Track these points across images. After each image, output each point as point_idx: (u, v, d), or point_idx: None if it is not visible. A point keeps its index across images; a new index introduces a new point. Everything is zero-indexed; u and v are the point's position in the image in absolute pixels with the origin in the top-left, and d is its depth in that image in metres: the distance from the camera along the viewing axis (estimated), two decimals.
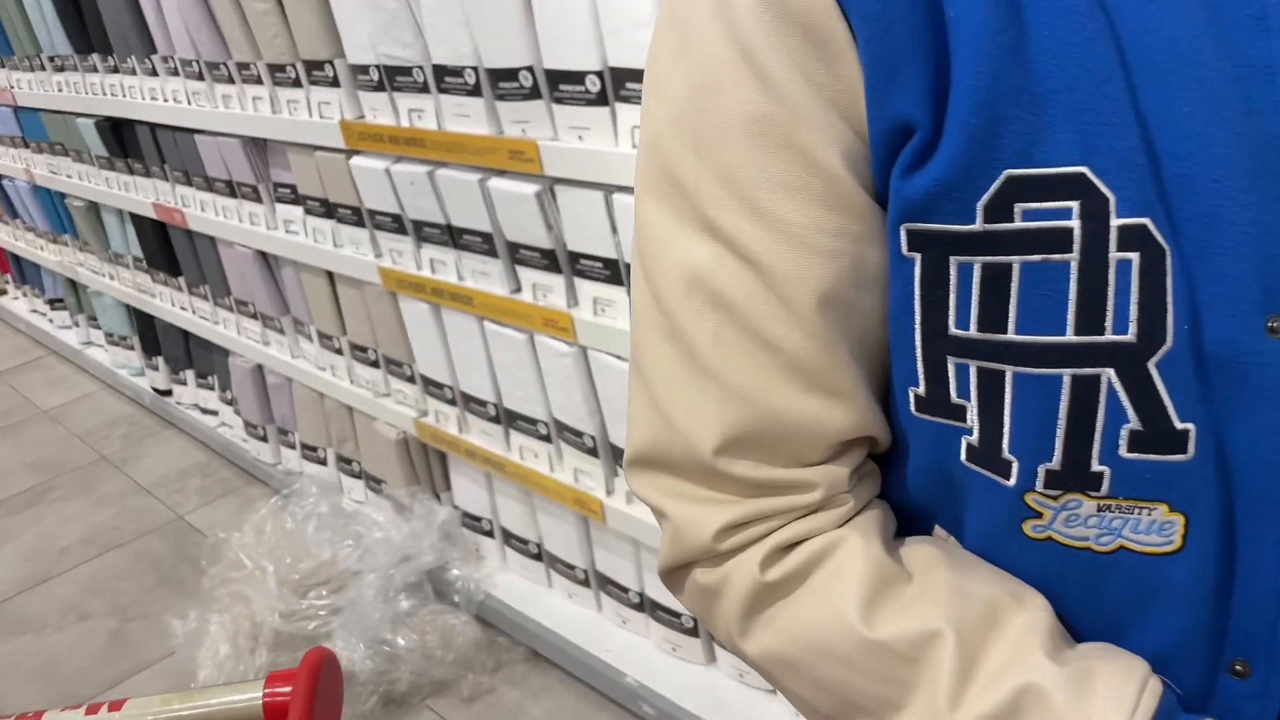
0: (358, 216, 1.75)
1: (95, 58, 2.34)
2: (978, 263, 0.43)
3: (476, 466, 1.80)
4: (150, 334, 2.84)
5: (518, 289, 1.52)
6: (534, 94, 1.31)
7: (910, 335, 0.46)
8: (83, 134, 2.55)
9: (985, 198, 0.42)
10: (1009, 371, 0.44)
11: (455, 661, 1.78)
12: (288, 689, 0.54)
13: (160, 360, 2.85)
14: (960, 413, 0.46)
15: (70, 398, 3.21)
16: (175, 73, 2.05)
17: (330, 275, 1.94)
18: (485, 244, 1.51)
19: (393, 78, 1.51)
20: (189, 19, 1.88)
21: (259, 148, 1.97)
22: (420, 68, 1.45)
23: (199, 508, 2.49)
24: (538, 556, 1.84)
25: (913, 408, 0.48)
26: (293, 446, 2.35)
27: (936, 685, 0.45)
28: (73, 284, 3.25)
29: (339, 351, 2.01)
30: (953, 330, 0.45)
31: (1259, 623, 0.45)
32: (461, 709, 1.75)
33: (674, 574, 0.54)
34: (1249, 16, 0.40)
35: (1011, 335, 0.43)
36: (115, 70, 2.28)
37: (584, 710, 1.71)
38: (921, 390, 0.47)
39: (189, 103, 2.05)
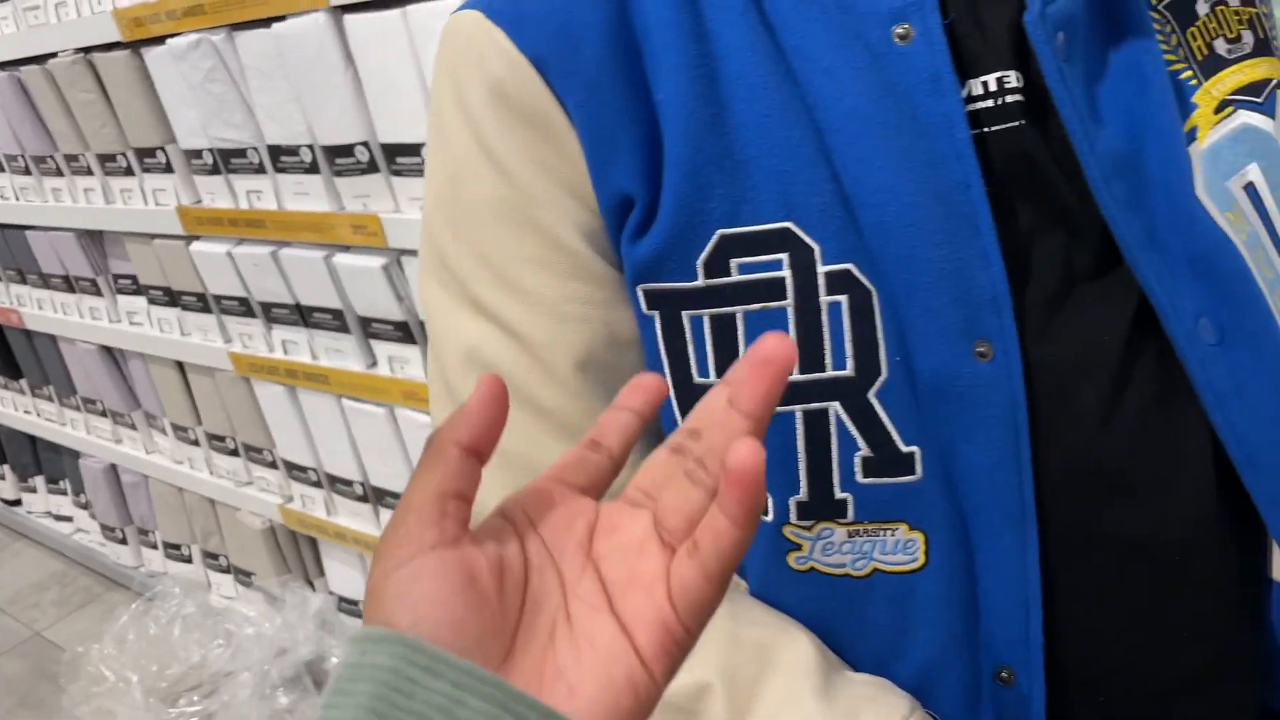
0: (203, 303, 1.70)
1: None
2: (706, 315, 0.48)
3: (349, 549, 1.75)
4: None
5: (374, 363, 1.50)
6: (372, 168, 1.30)
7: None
8: None
9: (703, 256, 0.47)
10: None
11: None
12: None
13: (6, 469, 2.69)
14: None
15: None
16: (0, 168, 1.97)
17: (180, 365, 1.87)
18: (336, 320, 1.48)
19: (227, 160, 1.48)
20: (10, 113, 1.81)
21: (95, 240, 1.90)
22: (255, 149, 1.43)
23: (57, 621, 2.34)
24: None
25: None
26: (154, 546, 2.24)
27: None
28: None
29: (195, 443, 1.94)
30: (696, 379, 0.49)
31: (1013, 629, 0.49)
32: None
33: None
34: (925, 79, 0.45)
35: None
36: None
37: None
38: None
39: (16, 198, 1.97)
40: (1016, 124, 0.47)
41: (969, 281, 0.45)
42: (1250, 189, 0.50)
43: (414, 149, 1.24)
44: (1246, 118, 0.51)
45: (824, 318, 0.46)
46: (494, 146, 0.49)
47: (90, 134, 1.68)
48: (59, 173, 1.82)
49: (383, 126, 1.26)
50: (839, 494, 0.48)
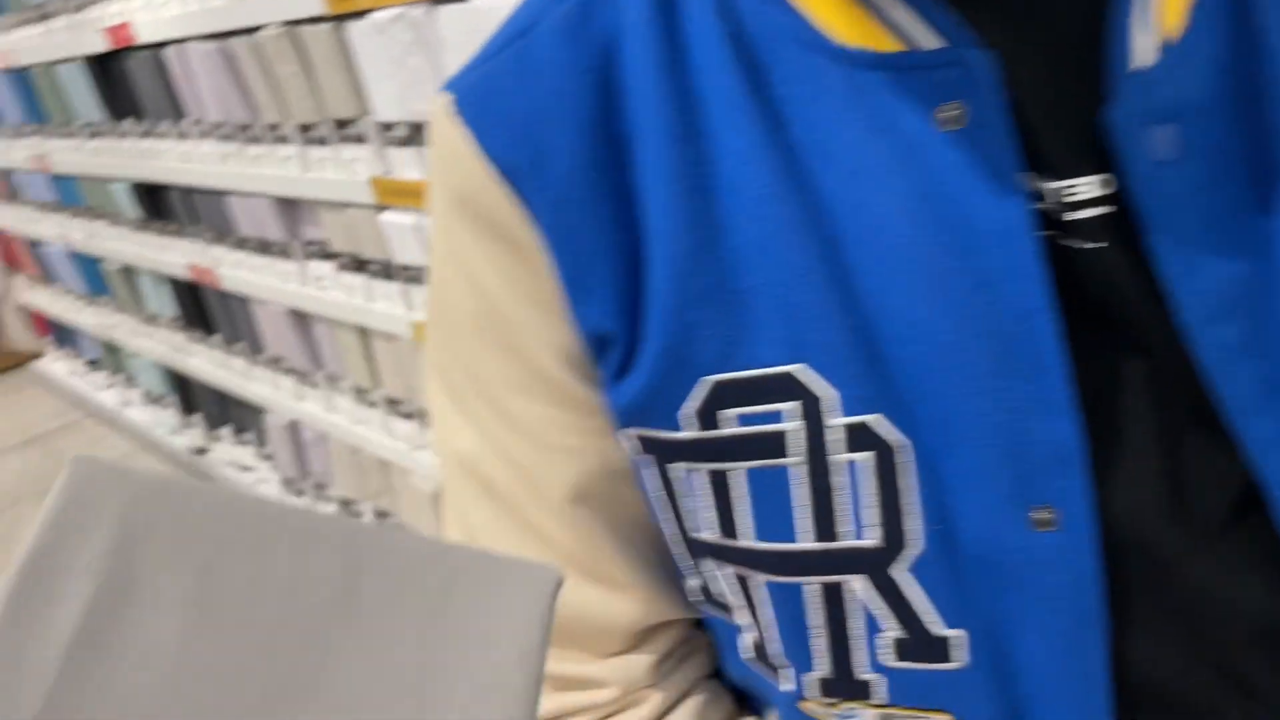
0: (388, 271, 1.75)
1: (128, 123, 2.38)
2: (700, 470, 0.40)
3: None
4: (187, 393, 2.86)
5: None
6: None
7: (666, 531, 0.44)
8: (116, 199, 2.59)
9: (691, 405, 0.39)
10: (757, 577, 0.41)
11: None
12: None
13: (198, 419, 2.86)
14: (730, 611, 0.44)
15: (109, 459, 3.23)
16: (206, 135, 2.08)
17: (363, 330, 1.94)
18: None
19: (420, 133, 1.52)
20: (218, 83, 1.91)
21: (289, 206, 1.99)
22: None
23: None
24: None
25: (699, 597, 0.46)
26: (330, 501, 2.35)
27: None
28: (110, 346, 3.29)
29: (374, 406, 2.01)
30: (690, 534, 0.42)
31: None
32: None
33: None
34: (980, 176, 0.35)
35: (749, 542, 0.40)
36: (147, 135, 2.32)
37: None
38: (694, 583, 0.45)
39: (220, 165, 2.08)
40: (1100, 245, 0.36)
41: (1025, 434, 0.36)
42: None
43: None
44: None
45: (839, 479, 0.37)
46: (467, 259, 0.43)
47: (291, 104, 1.75)
48: (260, 140, 1.91)
49: None
50: (863, 675, 0.40)
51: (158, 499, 0.25)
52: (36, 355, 4.18)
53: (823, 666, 0.40)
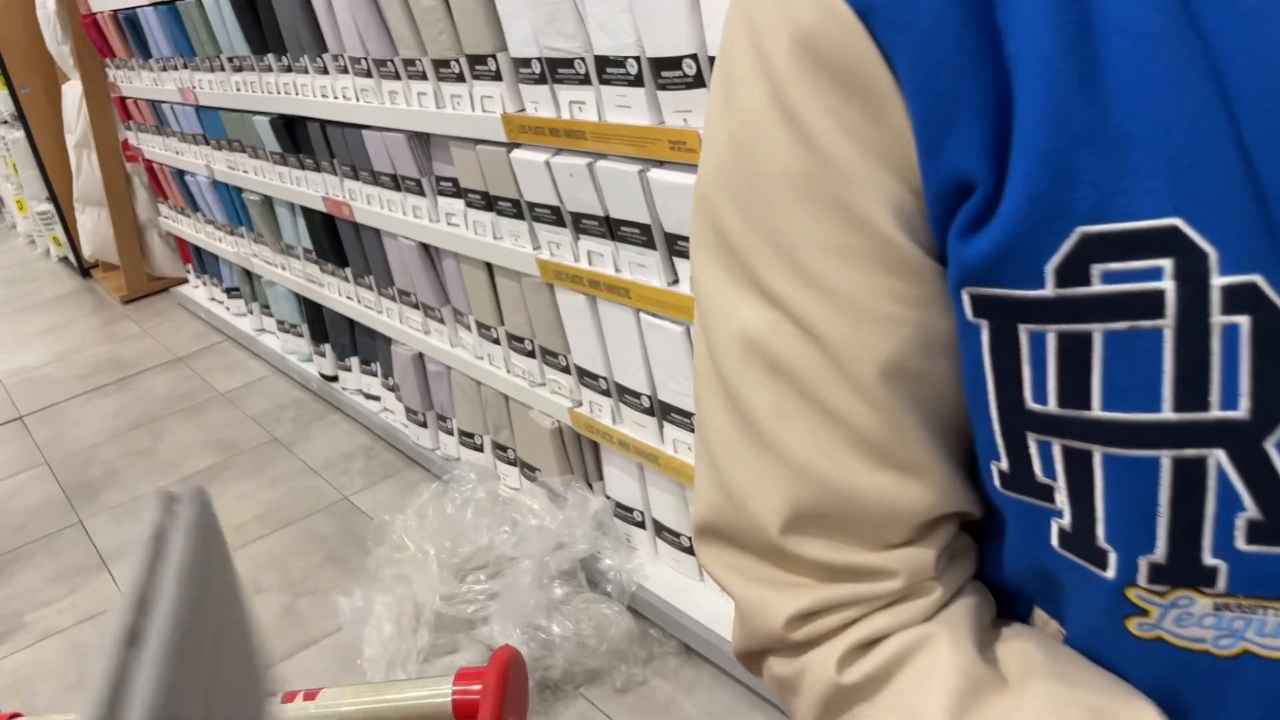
0: (517, 209, 1.77)
1: (270, 58, 2.45)
2: (1051, 331, 0.37)
3: (629, 458, 1.81)
4: (318, 322, 2.97)
5: (675, 281, 1.51)
6: (697, 82, 1.29)
7: (985, 407, 0.41)
8: (258, 131, 2.68)
9: (1056, 259, 0.36)
10: (1098, 452, 0.38)
11: (608, 651, 1.79)
12: (477, 687, 0.54)
13: (327, 347, 2.97)
14: (1048, 493, 0.40)
15: (245, 381, 3.39)
16: (344, 70, 2.13)
17: (489, 267, 1.97)
18: (643, 235, 1.50)
19: (554, 70, 1.52)
20: (358, 17, 1.95)
21: (423, 142, 2.02)
22: (582, 59, 1.46)
23: (363, 489, 2.58)
24: (689, 550, 1.83)
25: (998, 484, 0.43)
26: (451, 433, 2.41)
27: None
28: (248, 274, 3.43)
29: (496, 341, 2.05)
30: (1029, 405, 0.39)
31: None
32: (615, 699, 1.76)
33: (750, 657, 0.50)
34: None
35: (1097, 412, 0.37)
36: (289, 69, 2.39)
37: (739, 709, 1.69)
38: (1005, 466, 0.42)
39: (357, 99, 2.13)
40: None
41: None
42: None
43: None
44: None
45: (1214, 343, 0.35)
46: (798, 110, 0.40)
47: (429, 40, 1.77)
48: (396, 76, 1.94)
49: (714, 38, 1.24)
50: (1209, 560, 0.38)
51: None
52: (180, 281, 4.39)
53: (1161, 550, 0.38)
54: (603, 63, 1.42)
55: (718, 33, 1.22)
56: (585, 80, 1.47)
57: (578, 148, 1.54)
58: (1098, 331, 0.37)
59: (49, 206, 4.86)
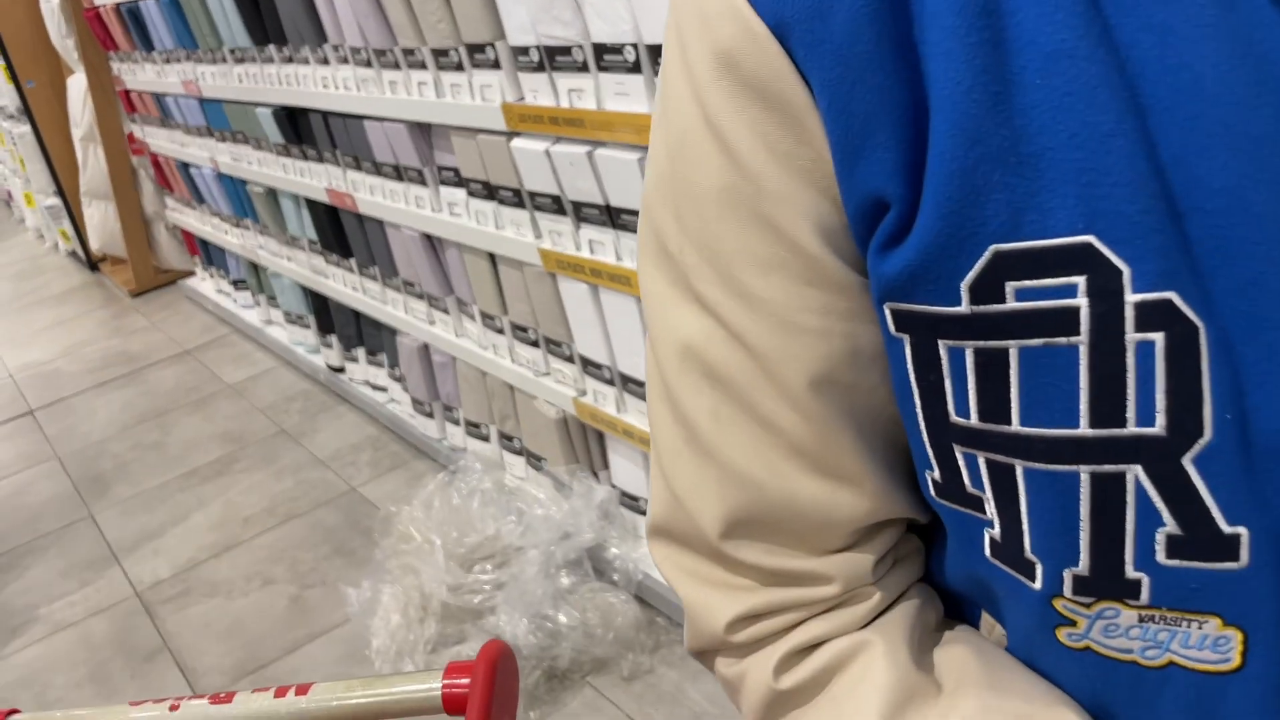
0: (519, 198, 1.76)
1: (272, 49, 2.44)
2: (969, 347, 0.37)
3: (634, 446, 1.80)
4: (324, 313, 2.97)
5: None
6: None
7: (914, 418, 0.41)
8: (261, 123, 2.68)
9: (970, 277, 0.36)
10: (1019, 466, 0.38)
11: (615, 640, 1.79)
12: (466, 680, 0.54)
13: (334, 339, 2.98)
14: (979, 503, 0.41)
15: (252, 373, 3.40)
16: (345, 61, 2.12)
17: (492, 256, 1.97)
18: None
19: (552, 58, 1.51)
20: (357, 7, 1.94)
21: (424, 132, 2.02)
22: (580, 46, 1.45)
23: (370, 480, 2.59)
24: None
25: (933, 492, 0.43)
26: (457, 423, 2.42)
27: None
28: (254, 266, 3.44)
29: (501, 331, 2.05)
30: (953, 418, 0.39)
31: None
32: (622, 688, 1.76)
33: (700, 656, 0.51)
34: None
35: (1016, 427, 0.37)
36: (290, 60, 2.38)
37: None
38: (937, 475, 0.42)
39: (358, 90, 2.12)
40: None
41: None
42: None
43: None
44: None
45: (1129, 360, 0.35)
46: (721, 124, 0.41)
47: (427, 29, 1.77)
48: (396, 66, 1.94)
49: None
50: (1131, 573, 0.38)
51: None
52: (188, 273, 4.41)
53: (1084, 563, 0.38)
54: (600, 50, 1.41)
55: None
56: (583, 68, 1.46)
57: (578, 136, 1.54)
58: (1014, 348, 0.37)
59: (56, 200, 4.87)
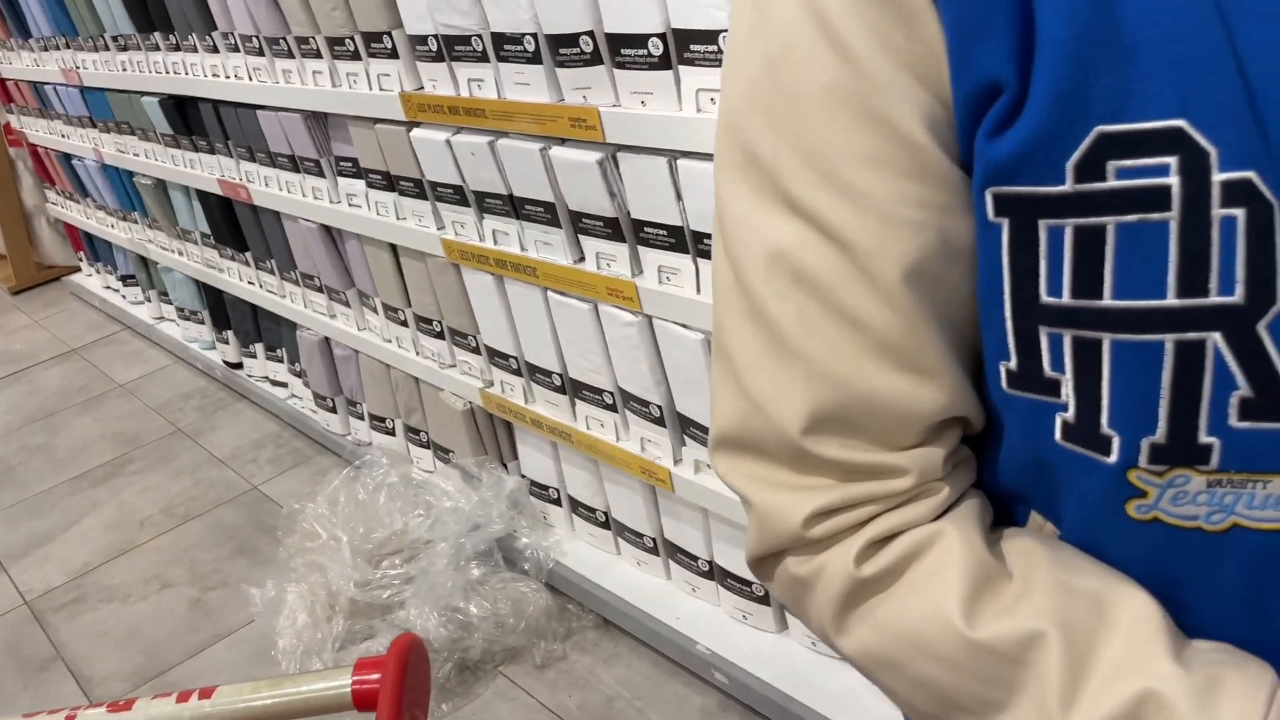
0: (419, 188, 1.74)
1: (157, 36, 2.36)
2: (1069, 225, 0.41)
3: (543, 436, 1.81)
4: (220, 308, 2.89)
5: (581, 259, 1.51)
6: (595, 59, 1.29)
7: (1000, 306, 0.45)
8: (148, 112, 2.59)
9: (1076, 156, 0.40)
10: (1106, 339, 0.42)
11: (527, 629, 1.80)
12: (376, 676, 0.54)
13: (230, 334, 2.90)
14: (1055, 387, 0.44)
15: (145, 371, 3.29)
16: (236, 49, 2.07)
17: (394, 248, 1.95)
18: (547, 214, 1.50)
19: (451, 47, 1.50)
20: None
21: (320, 122, 1.98)
22: (479, 36, 1.44)
23: (272, 478, 2.54)
24: (605, 525, 1.84)
25: (1004, 384, 0.46)
26: (361, 417, 2.38)
27: (1044, 687, 0.43)
28: (143, 260, 3.32)
29: (404, 323, 2.02)
30: (1044, 299, 0.43)
31: None
32: (534, 675, 1.76)
33: (763, 563, 0.53)
34: None
35: (1108, 301, 0.41)
36: (177, 48, 2.30)
37: (655, 678, 1.72)
38: (1013, 365, 0.46)
39: (250, 79, 2.07)
40: None
41: None
42: None
43: (638, 40, 1.21)
44: None
45: (1214, 234, 0.39)
46: (834, 23, 0.44)
47: (322, 17, 1.73)
48: (290, 54, 1.89)
49: (610, 16, 1.24)
50: (1204, 438, 0.41)
51: None
52: (72, 270, 4.23)
53: (1161, 430, 0.42)
54: (500, 40, 1.40)
55: (613, 10, 1.22)
56: (483, 58, 1.46)
57: (479, 126, 1.53)
58: (1111, 224, 0.40)
59: None
